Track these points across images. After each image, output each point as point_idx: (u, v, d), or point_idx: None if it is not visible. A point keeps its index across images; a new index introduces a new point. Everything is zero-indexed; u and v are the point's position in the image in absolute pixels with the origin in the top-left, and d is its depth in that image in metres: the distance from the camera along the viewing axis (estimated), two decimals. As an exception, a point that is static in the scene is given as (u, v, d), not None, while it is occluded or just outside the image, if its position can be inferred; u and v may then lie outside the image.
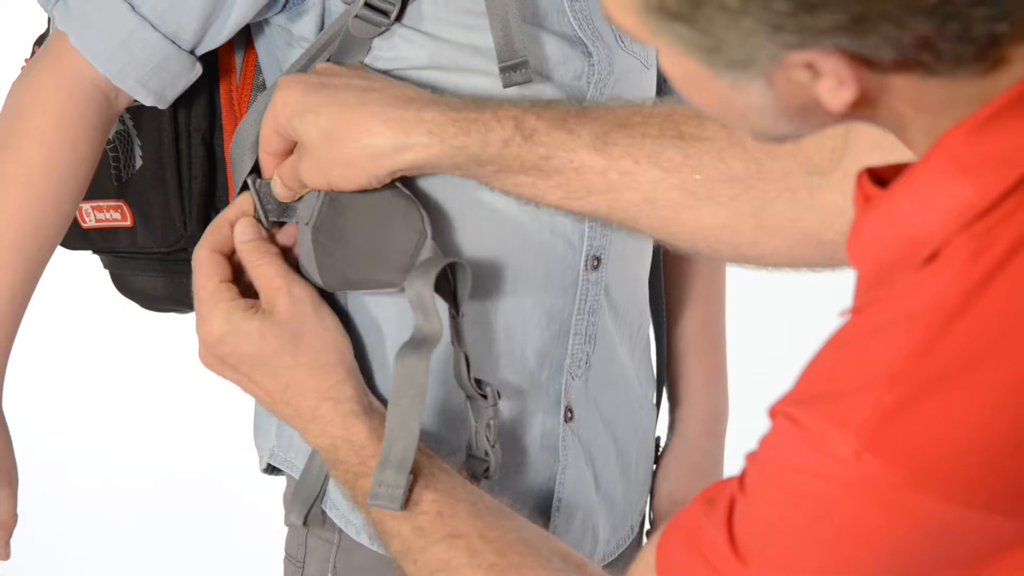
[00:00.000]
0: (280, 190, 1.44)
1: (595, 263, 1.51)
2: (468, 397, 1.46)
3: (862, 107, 0.97)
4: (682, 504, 1.43)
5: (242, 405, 1.56)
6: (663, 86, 1.59)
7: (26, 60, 1.60)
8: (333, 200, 1.42)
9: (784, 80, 0.96)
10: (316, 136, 1.39)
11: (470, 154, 1.37)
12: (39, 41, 1.62)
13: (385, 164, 1.38)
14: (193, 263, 1.43)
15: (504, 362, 1.49)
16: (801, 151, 1.32)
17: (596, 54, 1.47)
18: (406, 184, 1.43)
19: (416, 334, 1.39)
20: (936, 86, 0.95)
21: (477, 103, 1.39)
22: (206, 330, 1.41)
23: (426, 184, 1.45)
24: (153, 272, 1.58)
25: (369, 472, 1.37)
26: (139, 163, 1.50)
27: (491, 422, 1.45)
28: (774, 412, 1.01)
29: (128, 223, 1.54)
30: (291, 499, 1.52)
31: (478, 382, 1.45)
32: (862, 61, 0.93)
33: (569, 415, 1.53)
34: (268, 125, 1.42)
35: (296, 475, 1.52)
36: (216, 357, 1.42)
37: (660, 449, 1.70)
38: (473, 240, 1.46)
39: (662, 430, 1.71)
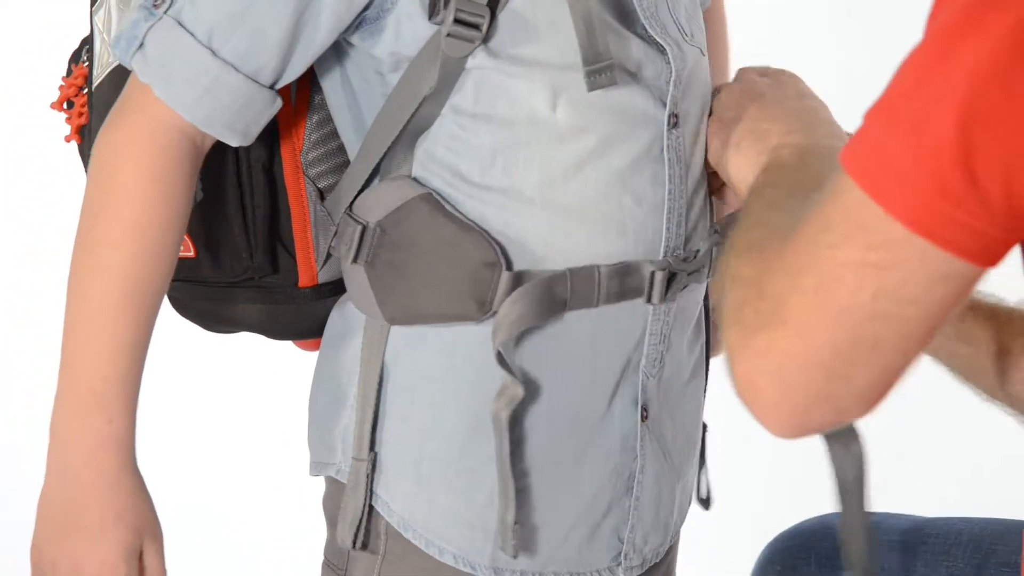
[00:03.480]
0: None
1: None
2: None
3: None
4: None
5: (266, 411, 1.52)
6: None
7: (63, 79, 1.58)
8: (386, 234, 1.42)
9: None
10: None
11: None
12: (74, 58, 1.60)
13: None
14: None
15: (586, 367, 1.49)
16: None
17: (670, 51, 1.47)
18: (474, 217, 1.43)
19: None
20: None
21: None
22: None
23: (500, 215, 1.44)
24: (209, 297, 1.58)
25: None
26: (200, 195, 1.48)
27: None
28: None
29: (191, 254, 1.53)
30: (340, 516, 1.50)
31: None
32: None
33: (645, 414, 1.53)
34: None
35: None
36: None
37: None
38: (557, 257, 1.45)
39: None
